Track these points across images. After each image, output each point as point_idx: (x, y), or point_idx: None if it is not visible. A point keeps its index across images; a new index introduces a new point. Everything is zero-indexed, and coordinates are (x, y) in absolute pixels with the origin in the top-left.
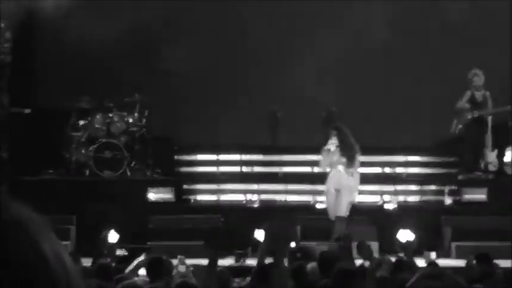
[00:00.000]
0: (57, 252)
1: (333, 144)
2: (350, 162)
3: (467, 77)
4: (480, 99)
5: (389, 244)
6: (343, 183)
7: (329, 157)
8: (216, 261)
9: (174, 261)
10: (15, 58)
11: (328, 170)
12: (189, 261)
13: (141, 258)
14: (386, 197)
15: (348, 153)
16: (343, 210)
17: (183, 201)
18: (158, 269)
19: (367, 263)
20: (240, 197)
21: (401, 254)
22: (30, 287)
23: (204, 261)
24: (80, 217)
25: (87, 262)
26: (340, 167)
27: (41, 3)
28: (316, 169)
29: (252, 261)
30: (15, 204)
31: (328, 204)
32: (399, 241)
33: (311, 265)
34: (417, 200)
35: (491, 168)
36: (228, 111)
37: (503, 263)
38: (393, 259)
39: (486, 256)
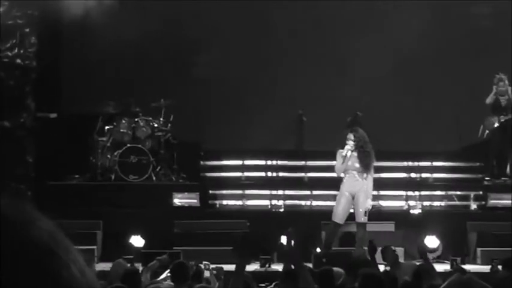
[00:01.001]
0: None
1: (348, 149)
2: (365, 167)
3: (492, 82)
4: (504, 103)
5: (414, 249)
6: (358, 188)
7: (344, 162)
8: (243, 267)
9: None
10: (41, 63)
11: (342, 175)
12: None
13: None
14: (411, 202)
15: (364, 158)
16: (363, 216)
17: (208, 206)
18: (183, 274)
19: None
20: (265, 203)
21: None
22: None
23: (229, 267)
24: (106, 222)
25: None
26: (355, 172)
27: (67, 8)
28: (332, 174)
29: (277, 267)
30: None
31: (340, 207)
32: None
33: (336, 270)
34: (442, 205)
35: None
36: (254, 116)
37: None
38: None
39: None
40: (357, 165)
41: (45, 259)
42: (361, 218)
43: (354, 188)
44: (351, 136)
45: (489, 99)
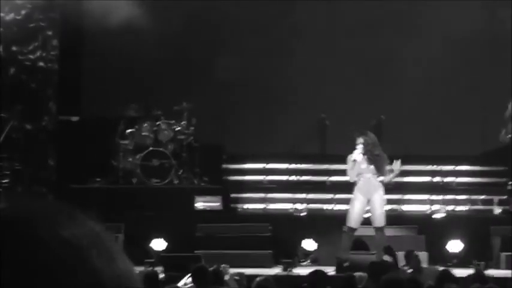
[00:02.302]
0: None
1: (359, 153)
2: (378, 170)
3: None
4: None
5: (438, 254)
6: (372, 192)
7: (357, 166)
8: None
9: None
10: (63, 66)
11: (356, 179)
12: (236, 270)
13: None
14: (435, 207)
15: (374, 162)
16: (381, 221)
17: (230, 209)
18: (203, 277)
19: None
20: (287, 206)
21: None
22: None
23: (251, 270)
24: (128, 225)
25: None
26: (369, 175)
27: (89, 11)
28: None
29: (299, 271)
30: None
31: (354, 211)
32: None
33: (358, 275)
34: (466, 209)
35: None
36: (277, 120)
37: None
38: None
39: None
40: (372, 167)
41: (77, 258)
42: (379, 223)
43: (369, 192)
44: (360, 140)
45: (508, 112)
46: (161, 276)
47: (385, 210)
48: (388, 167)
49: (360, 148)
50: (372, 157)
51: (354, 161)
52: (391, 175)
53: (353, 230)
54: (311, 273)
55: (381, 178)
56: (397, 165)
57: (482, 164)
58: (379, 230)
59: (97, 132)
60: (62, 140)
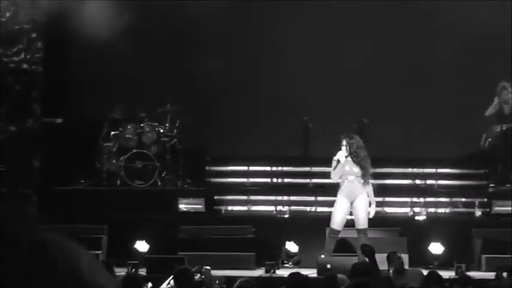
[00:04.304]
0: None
1: (342, 154)
2: (364, 172)
3: (496, 89)
4: (508, 111)
5: (419, 256)
6: (356, 194)
7: (339, 167)
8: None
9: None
10: (47, 68)
11: (339, 180)
12: (220, 272)
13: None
14: (416, 209)
15: (361, 163)
16: (363, 223)
17: (213, 211)
18: (186, 279)
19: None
20: (270, 208)
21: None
22: None
23: (234, 272)
24: (112, 227)
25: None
26: (353, 177)
27: (73, 14)
28: (328, 180)
29: (282, 272)
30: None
31: (338, 214)
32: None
33: (339, 277)
34: (447, 211)
35: None
36: (260, 123)
37: None
38: (424, 271)
39: None
40: (355, 169)
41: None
42: (362, 225)
43: (353, 194)
44: (344, 142)
45: (489, 111)
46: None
47: (370, 215)
48: (370, 170)
49: (344, 149)
50: (357, 159)
51: (338, 161)
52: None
53: (336, 232)
54: (290, 275)
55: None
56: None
57: (463, 167)
58: (361, 232)
59: (81, 134)
60: (47, 141)
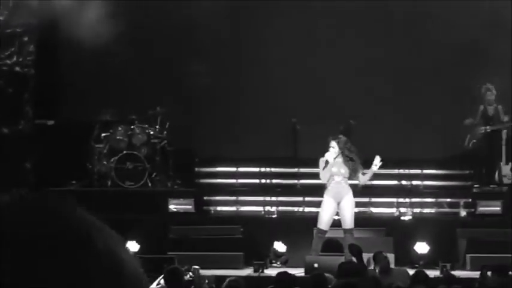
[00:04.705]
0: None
1: (331, 156)
2: (354, 173)
3: (480, 92)
4: (492, 113)
5: (405, 255)
6: (342, 195)
7: (328, 167)
8: None
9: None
10: (39, 71)
11: (327, 181)
12: (209, 272)
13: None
14: (402, 209)
15: (351, 164)
16: (350, 223)
17: (203, 212)
18: (176, 279)
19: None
20: (258, 209)
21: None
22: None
23: (223, 272)
24: None
25: None
26: (340, 178)
27: (64, 17)
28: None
29: (270, 271)
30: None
31: (325, 214)
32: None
33: (326, 276)
34: (433, 212)
35: (506, 181)
36: (248, 124)
37: None
38: (410, 271)
39: (503, 267)
40: (343, 170)
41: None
42: (348, 225)
43: (339, 195)
44: (333, 144)
45: (469, 121)
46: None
47: (354, 213)
48: (362, 171)
49: (332, 151)
50: (347, 159)
51: (326, 162)
52: (367, 175)
53: (323, 232)
54: (278, 275)
55: (356, 181)
56: (377, 160)
57: (448, 167)
58: (348, 232)
59: (72, 136)
60: (38, 143)
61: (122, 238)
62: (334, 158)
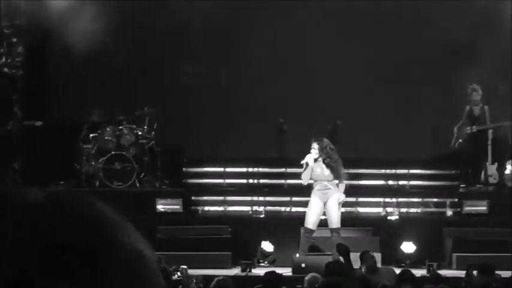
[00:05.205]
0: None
1: (311, 157)
2: (336, 174)
3: (466, 92)
4: (478, 113)
5: (392, 255)
6: (329, 195)
7: (309, 170)
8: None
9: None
10: (27, 72)
11: (310, 182)
12: (197, 271)
13: None
14: (389, 209)
15: (333, 165)
16: (336, 223)
17: (191, 212)
18: (164, 279)
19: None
20: (246, 209)
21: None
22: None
23: (211, 271)
24: None
25: None
26: (324, 181)
27: (53, 18)
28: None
29: (257, 271)
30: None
31: (311, 214)
32: None
33: (313, 275)
34: (419, 211)
35: (492, 181)
36: (236, 125)
37: (503, 274)
38: (397, 270)
39: (489, 267)
40: (326, 173)
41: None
42: (335, 225)
43: (326, 195)
44: (314, 145)
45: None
46: None
47: (341, 212)
48: (344, 171)
49: (313, 153)
50: (330, 161)
51: (306, 164)
52: (341, 189)
53: (310, 231)
54: (265, 274)
55: (337, 182)
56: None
57: (434, 167)
58: (334, 231)
59: (60, 137)
60: (27, 144)
61: (142, 235)
62: (316, 160)
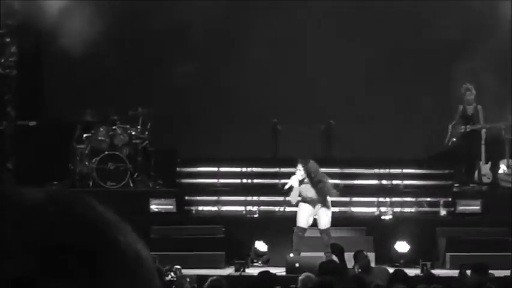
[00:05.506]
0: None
1: (296, 179)
2: (321, 198)
3: (460, 91)
4: (471, 112)
5: (385, 254)
6: (318, 208)
7: (295, 192)
8: None
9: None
10: (21, 72)
11: (298, 199)
12: (191, 271)
13: None
14: (383, 209)
15: (317, 187)
16: (324, 224)
17: (184, 212)
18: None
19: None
20: (240, 208)
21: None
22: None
23: (204, 271)
24: None
25: None
26: (311, 202)
27: (46, 18)
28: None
29: (251, 271)
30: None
31: (302, 213)
32: None
33: (306, 275)
34: (413, 211)
35: (485, 180)
36: (230, 125)
37: (496, 273)
38: (390, 269)
39: (483, 266)
40: (309, 194)
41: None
42: (325, 226)
43: (316, 209)
44: (299, 167)
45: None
46: None
47: (335, 212)
48: (333, 190)
49: (298, 174)
50: (314, 183)
51: (291, 186)
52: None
53: (303, 230)
54: (259, 274)
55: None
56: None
57: (428, 167)
58: (324, 232)
59: (54, 137)
60: (20, 144)
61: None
62: (301, 181)
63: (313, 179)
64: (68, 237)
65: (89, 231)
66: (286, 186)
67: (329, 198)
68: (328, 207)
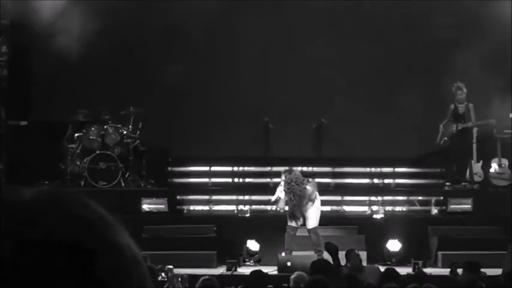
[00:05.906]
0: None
1: (280, 190)
2: (301, 209)
3: (451, 90)
4: (462, 111)
5: (377, 253)
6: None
7: (282, 202)
8: None
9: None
10: (12, 72)
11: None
12: (182, 271)
13: None
14: (374, 207)
15: (298, 200)
16: (312, 223)
17: (176, 211)
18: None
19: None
20: (231, 208)
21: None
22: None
23: (196, 270)
24: None
25: None
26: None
27: (37, 18)
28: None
29: (243, 270)
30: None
31: (291, 211)
32: None
33: (298, 274)
34: (404, 210)
35: (477, 179)
36: (221, 124)
37: (488, 272)
38: (382, 268)
39: (474, 265)
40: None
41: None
42: (313, 225)
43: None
44: (282, 177)
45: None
46: None
47: (326, 211)
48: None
49: (282, 184)
50: (293, 196)
51: (278, 198)
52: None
53: (294, 228)
54: (251, 273)
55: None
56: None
57: (419, 166)
58: (311, 231)
59: (45, 136)
60: (12, 143)
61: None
62: (285, 191)
63: (290, 192)
64: (67, 237)
65: (88, 230)
66: (273, 199)
67: (318, 198)
68: (316, 208)
